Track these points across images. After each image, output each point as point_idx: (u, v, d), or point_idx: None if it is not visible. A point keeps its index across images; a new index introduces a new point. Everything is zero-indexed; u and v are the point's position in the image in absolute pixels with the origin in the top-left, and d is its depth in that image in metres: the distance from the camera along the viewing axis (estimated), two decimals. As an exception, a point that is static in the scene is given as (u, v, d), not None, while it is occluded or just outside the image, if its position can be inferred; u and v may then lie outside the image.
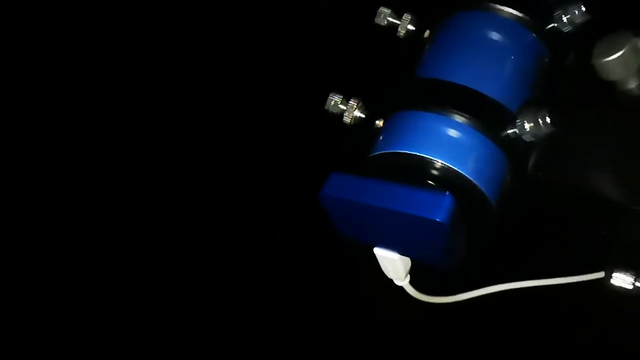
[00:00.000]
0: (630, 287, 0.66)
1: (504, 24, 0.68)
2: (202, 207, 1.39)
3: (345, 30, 1.19)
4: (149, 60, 1.48)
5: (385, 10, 0.74)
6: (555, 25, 0.68)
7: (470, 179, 0.63)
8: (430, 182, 0.63)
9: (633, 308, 0.67)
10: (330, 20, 1.32)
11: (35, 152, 1.47)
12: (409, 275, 0.73)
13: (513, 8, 0.68)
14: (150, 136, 1.45)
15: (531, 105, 0.63)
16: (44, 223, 1.43)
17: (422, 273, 0.74)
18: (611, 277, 0.66)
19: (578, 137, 0.69)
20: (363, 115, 0.70)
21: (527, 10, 0.68)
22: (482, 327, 1.09)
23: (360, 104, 0.70)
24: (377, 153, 0.67)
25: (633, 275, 0.66)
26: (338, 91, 0.71)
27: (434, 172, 0.63)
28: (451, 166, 0.63)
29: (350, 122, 0.70)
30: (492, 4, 0.69)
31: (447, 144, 0.64)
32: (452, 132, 0.64)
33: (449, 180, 0.63)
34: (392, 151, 0.66)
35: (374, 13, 0.74)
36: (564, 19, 0.67)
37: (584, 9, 0.66)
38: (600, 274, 0.70)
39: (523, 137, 0.63)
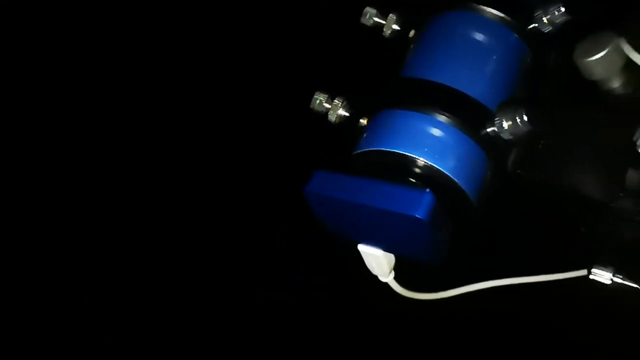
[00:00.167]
0: (609, 282, 0.67)
1: (486, 24, 0.69)
2: (202, 207, 1.39)
3: (334, 29, 1.19)
4: (146, 60, 1.48)
5: (371, 10, 0.75)
6: (536, 25, 0.69)
7: (451, 176, 0.64)
8: (412, 179, 0.64)
9: (611, 303, 0.68)
10: (319, 20, 1.32)
11: (36, 152, 1.47)
12: (393, 272, 0.75)
13: (495, 9, 0.69)
14: (148, 139, 1.45)
15: (510, 104, 0.64)
16: (44, 223, 1.43)
17: (407, 270, 0.75)
18: (590, 272, 0.68)
19: (560, 135, 0.70)
20: (347, 114, 0.71)
21: (509, 11, 0.69)
22: (466, 323, 1.09)
23: (344, 102, 0.71)
24: (360, 151, 0.68)
25: (611, 271, 0.67)
26: (325, 90, 0.72)
27: (416, 169, 0.64)
28: (432, 164, 0.64)
29: (335, 121, 0.71)
30: (475, 5, 0.70)
31: (429, 142, 0.65)
32: (434, 131, 0.65)
33: (430, 177, 0.64)
34: (375, 149, 0.67)
35: (359, 13, 0.75)
36: (544, 19, 0.68)
37: (563, 9, 0.67)
38: (583, 272, 0.71)
39: (502, 135, 0.64)
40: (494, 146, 0.65)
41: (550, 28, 0.68)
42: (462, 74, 0.67)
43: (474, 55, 0.68)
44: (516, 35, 0.69)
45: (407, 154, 0.65)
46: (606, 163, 0.69)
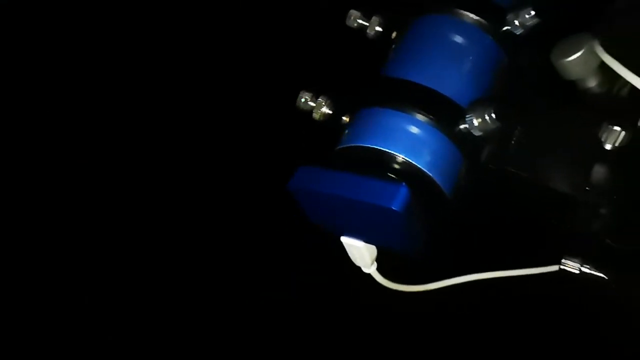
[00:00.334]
0: (577, 272, 0.71)
1: (463, 27, 0.72)
2: (201, 207, 1.40)
3: (321, 30, 1.22)
4: (133, 57, 1.49)
5: (355, 13, 0.78)
6: (509, 28, 0.72)
7: (426, 171, 0.67)
8: (390, 174, 0.68)
9: (581, 292, 0.71)
10: (308, 21, 1.33)
11: (36, 152, 1.48)
12: (375, 263, 0.78)
13: (471, 12, 0.72)
14: (147, 140, 1.46)
15: (481, 102, 0.68)
16: (44, 223, 1.44)
17: (391, 262, 0.78)
18: (561, 263, 0.71)
19: (532, 132, 0.73)
20: (330, 112, 0.74)
21: (483, 14, 0.72)
22: (446, 315, 1.11)
23: (328, 101, 0.74)
24: (342, 147, 0.71)
25: (579, 262, 0.71)
26: (311, 89, 0.76)
27: (393, 164, 0.68)
28: (408, 159, 0.67)
29: (319, 118, 0.74)
30: (453, 9, 0.73)
31: (405, 138, 0.68)
32: (410, 128, 0.68)
33: (407, 172, 0.67)
34: (356, 145, 0.70)
35: (345, 15, 0.79)
36: (516, 22, 0.71)
37: (533, 12, 0.70)
38: (557, 267, 0.75)
39: (472, 132, 0.68)
40: (466, 143, 0.69)
41: (522, 30, 0.72)
42: (438, 74, 0.70)
43: (450, 56, 0.71)
44: (491, 37, 0.72)
45: (385, 149, 0.68)
46: (575, 159, 0.72)
